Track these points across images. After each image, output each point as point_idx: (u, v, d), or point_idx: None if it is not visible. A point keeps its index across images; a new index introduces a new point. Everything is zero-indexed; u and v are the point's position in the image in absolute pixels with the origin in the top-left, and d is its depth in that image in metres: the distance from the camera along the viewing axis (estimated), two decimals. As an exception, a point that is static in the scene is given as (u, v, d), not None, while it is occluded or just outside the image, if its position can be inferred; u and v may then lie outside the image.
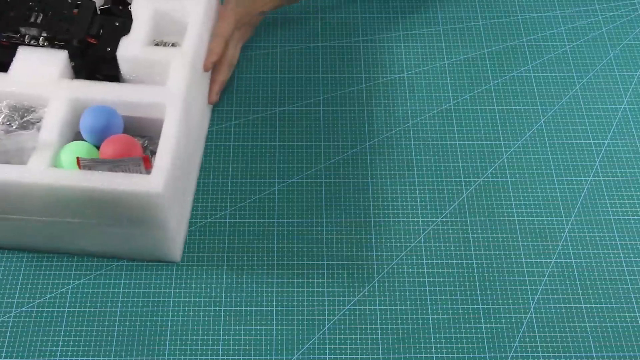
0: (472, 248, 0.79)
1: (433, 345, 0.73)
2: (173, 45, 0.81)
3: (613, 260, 0.79)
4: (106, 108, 0.72)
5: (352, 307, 0.75)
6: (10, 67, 0.75)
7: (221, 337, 0.73)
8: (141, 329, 0.73)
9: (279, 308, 0.75)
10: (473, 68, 0.94)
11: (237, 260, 0.78)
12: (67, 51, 0.76)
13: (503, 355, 0.73)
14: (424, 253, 0.79)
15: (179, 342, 0.73)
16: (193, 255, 0.78)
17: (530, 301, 0.76)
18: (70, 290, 0.75)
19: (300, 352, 0.72)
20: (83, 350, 0.72)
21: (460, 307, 0.75)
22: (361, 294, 0.76)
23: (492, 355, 0.72)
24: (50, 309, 0.74)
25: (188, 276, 0.77)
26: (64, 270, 0.77)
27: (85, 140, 0.73)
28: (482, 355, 0.72)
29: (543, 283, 0.77)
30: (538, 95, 0.91)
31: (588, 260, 0.79)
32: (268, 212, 0.81)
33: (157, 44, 0.81)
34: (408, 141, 0.87)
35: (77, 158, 0.68)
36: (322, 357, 0.72)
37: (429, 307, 0.75)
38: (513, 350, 0.73)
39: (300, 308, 0.75)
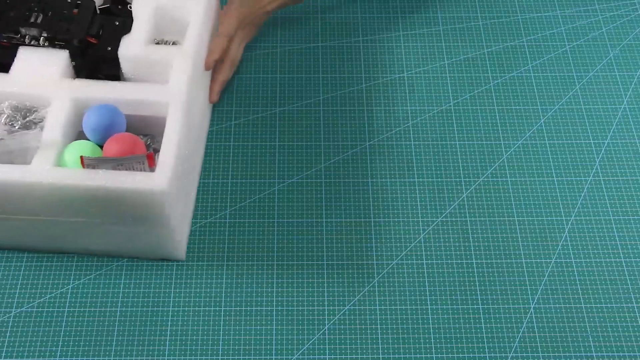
0: (472, 248, 0.79)
1: (433, 345, 0.73)
2: (174, 43, 0.81)
3: (613, 260, 0.79)
4: (109, 107, 0.72)
5: (352, 307, 0.75)
6: (11, 68, 0.75)
7: (221, 337, 0.73)
8: (141, 329, 0.73)
9: (279, 308, 0.75)
10: (473, 68, 0.94)
11: (237, 260, 0.78)
12: (67, 51, 0.76)
13: (503, 355, 0.73)
14: (424, 253, 0.79)
15: (179, 342, 0.73)
16: (193, 255, 0.78)
17: (530, 301, 0.76)
18: (70, 290, 0.76)
19: (300, 352, 0.72)
20: (83, 350, 0.72)
21: (460, 307, 0.75)
22: (361, 294, 0.76)
23: (492, 355, 0.72)
24: (50, 309, 0.74)
25: (188, 276, 0.77)
26: (64, 270, 0.77)
27: (88, 139, 0.73)
28: (482, 355, 0.72)
29: (543, 283, 0.77)
30: (538, 95, 0.91)
31: (588, 260, 0.79)
32: (268, 212, 0.81)
33: (157, 43, 0.81)
34: (408, 141, 0.87)
35: (81, 157, 0.68)
36: (322, 357, 0.72)
37: (429, 307, 0.75)
38: (513, 350, 0.73)
39: (300, 308, 0.75)
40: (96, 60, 0.78)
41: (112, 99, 0.73)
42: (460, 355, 0.72)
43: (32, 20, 0.77)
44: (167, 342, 0.73)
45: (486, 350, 0.73)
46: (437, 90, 0.91)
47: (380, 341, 0.73)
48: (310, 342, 0.73)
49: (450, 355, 0.72)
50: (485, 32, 0.97)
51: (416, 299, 0.76)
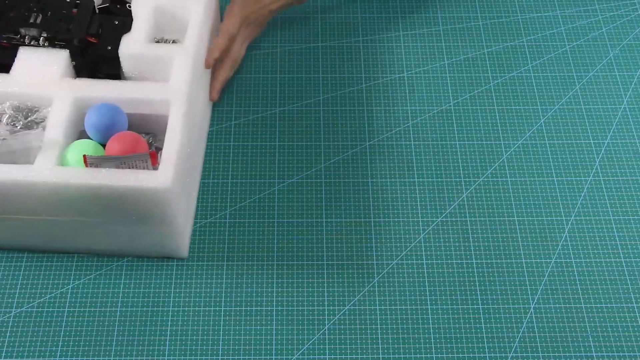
0: (472, 248, 0.79)
1: (433, 345, 0.73)
2: (174, 42, 0.81)
3: (613, 260, 0.79)
4: (111, 105, 0.72)
5: (352, 307, 0.75)
6: (12, 68, 0.75)
7: (221, 337, 0.73)
8: (141, 329, 0.73)
9: (279, 308, 0.75)
10: (473, 68, 0.94)
11: (237, 260, 0.78)
12: (68, 51, 0.76)
13: (503, 355, 0.73)
14: (424, 253, 0.79)
15: (179, 342, 0.73)
16: (193, 255, 0.78)
17: (530, 301, 0.76)
18: (70, 290, 0.76)
19: (300, 352, 0.72)
20: (83, 350, 0.72)
21: (460, 307, 0.75)
22: (361, 294, 0.76)
23: (492, 355, 0.72)
24: (50, 309, 0.74)
25: (188, 276, 0.77)
26: (64, 270, 0.77)
27: (90, 139, 0.73)
28: (482, 355, 0.72)
29: (543, 283, 0.77)
30: (538, 95, 0.91)
31: (588, 260, 0.79)
32: (268, 212, 0.81)
33: (157, 41, 0.81)
34: (408, 141, 0.87)
35: (84, 156, 0.68)
36: (322, 357, 0.72)
37: (429, 307, 0.75)
38: (513, 350, 0.73)
39: (300, 308, 0.75)
40: (96, 59, 0.78)
41: (113, 97, 0.73)
42: (460, 355, 0.72)
43: (31, 20, 0.77)
44: (167, 342, 0.73)
45: (486, 350, 0.73)
46: (437, 90, 0.91)
47: (380, 341, 0.73)
48: (310, 342, 0.73)
49: (450, 355, 0.72)
50: (485, 32, 0.97)
51: (416, 299, 0.76)
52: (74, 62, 0.77)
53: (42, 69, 0.75)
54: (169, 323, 0.74)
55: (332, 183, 0.83)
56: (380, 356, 0.72)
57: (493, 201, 0.82)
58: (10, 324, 0.73)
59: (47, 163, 0.69)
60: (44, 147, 0.70)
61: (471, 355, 0.72)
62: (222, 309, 0.75)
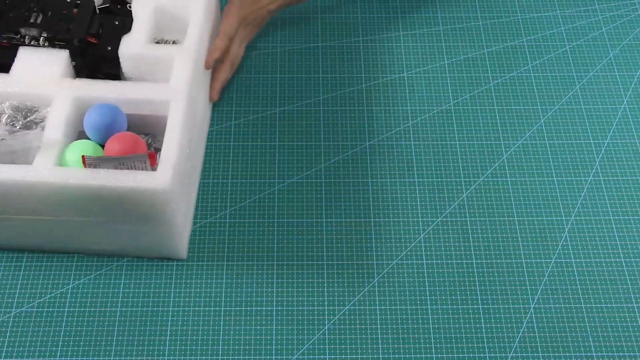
0: (472, 248, 0.79)
1: (433, 345, 0.73)
2: (174, 42, 0.81)
3: (613, 260, 0.79)
4: (110, 106, 0.72)
5: (352, 307, 0.75)
6: (12, 68, 0.75)
7: (221, 337, 0.73)
8: (141, 329, 0.73)
9: (279, 308, 0.75)
10: (473, 68, 0.94)
11: (237, 260, 0.78)
12: (68, 51, 0.76)
13: (503, 355, 0.73)
14: (424, 253, 0.79)
15: (179, 342, 0.73)
16: (193, 255, 0.78)
17: (530, 301, 0.76)
18: (70, 290, 0.76)
19: (300, 352, 0.72)
20: (83, 350, 0.72)
21: (460, 307, 0.75)
22: (361, 294, 0.76)
23: (492, 355, 0.72)
24: (50, 309, 0.74)
25: (188, 276, 0.77)
26: (64, 270, 0.77)
27: (89, 139, 0.73)
28: (482, 355, 0.72)
29: (543, 283, 0.77)
30: (538, 95, 0.91)
31: (588, 260, 0.79)
32: (268, 212, 0.81)
33: (157, 42, 0.81)
34: (408, 141, 0.87)
35: (83, 156, 0.68)
36: (322, 357, 0.72)
37: (429, 307, 0.75)
38: (513, 350, 0.73)
39: (300, 308, 0.75)
40: (96, 59, 0.78)
41: (113, 98, 0.73)
42: (460, 355, 0.72)
43: (31, 20, 0.77)
44: (167, 342, 0.73)
45: (486, 350, 0.73)
46: (437, 90, 0.91)
47: (380, 341, 0.73)
48: (310, 342, 0.73)
49: (450, 355, 0.72)
50: (485, 32, 0.97)
51: (416, 299, 0.76)
52: (74, 62, 0.77)
53: (42, 69, 0.75)
54: (169, 323, 0.74)
55: (332, 183, 0.83)
56: (380, 356, 0.72)
57: (493, 201, 0.82)
58: (10, 324, 0.73)
59: (46, 163, 0.69)
60: (43, 147, 0.70)
61: (471, 355, 0.72)
62: (222, 309, 0.75)
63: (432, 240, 0.80)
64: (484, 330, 0.74)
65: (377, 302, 0.75)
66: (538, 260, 0.78)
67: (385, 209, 0.82)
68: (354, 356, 0.72)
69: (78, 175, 0.68)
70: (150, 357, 0.72)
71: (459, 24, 0.98)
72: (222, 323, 0.74)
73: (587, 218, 0.81)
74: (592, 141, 0.87)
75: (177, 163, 0.70)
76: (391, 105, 0.90)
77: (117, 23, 0.79)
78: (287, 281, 0.77)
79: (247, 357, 0.72)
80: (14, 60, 0.75)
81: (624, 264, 0.78)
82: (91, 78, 0.76)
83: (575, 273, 0.78)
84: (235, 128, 0.88)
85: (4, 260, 0.77)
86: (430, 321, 0.74)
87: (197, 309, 0.75)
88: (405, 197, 0.83)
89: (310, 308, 0.75)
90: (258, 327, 0.74)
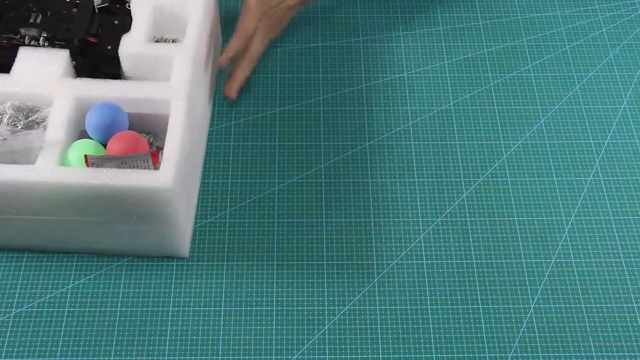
0: (472, 248, 0.79)
1: (433, 345, 0.73)
2: (173, 41, 0.81)
3: (613, 260, 0.79)
4: (112, 105, 0.72)
5: (352, 307, 0.75)
6: (12, 68, 0.75)
7: (221, 337, 0.73)
8: (141, 329, 0.73)
9: (279, 308, 0.75)
10: (473, 68, 0.94)
11: (237, 260, 0.78)
12: (68, 50, 0.76)
13: (503, 355, 0.73)
14: (424, 253, 0.79)
15: (179, 342, 0.73)
16: (193, 255, 0.78)
17: (530, 301, 0.76)
18: (70, 290, 0.76)
19: (300, 352, 0.72)
20: (83, 350, 0.72)
21: (460, 307, 0.75)
22: (361, 294, 0.76)
23: (492, 355, 0.72)
24: (50, 309, 0.74)
25: (188, 276, 0.77)
26: (64, 270, 0.77)
27: (90, 138, 0.73)
28: (482, 355, 0.72)
29: (543, 283, 0.77)
30: (538, 95, 0.91)
31: (588, 260, 0.79)
32: (268, 212, 0.81)
33: (157, 41, 0.81)
34: (408, 141, 0.87)
35: (85, 156, 0.68)
36: (322, 357, 0.72)
37: (429, 307, 0.75)
38: (513, 350, 0.73)
39: (300, 308, 0.75)
40: (96, 59, 0.78)
41: (114, 97, 0.73)
42: (460, 355, 0.72)
43: (31, 20, 0.77)
44: (167, 342, 0.73)
45: (486, 350, 0.73)
46: (437, 90, 0.91)
47: (380, 341, 0.73)
48: (310, 342, 0.73)
49: (450, 355, 0.72)
50: (485, 32, 0.97)
51: (416, 299, 0.76)
52: (74, 62, 0.77)
53: (42, 69, 0.75)
54: (169, 323, 0.74)
55: (332, 183, 0.83)
56: (380, 356, 0.72)
57: (493, 201, 0.82)
58: (10, 324, 0.73)
59: (48, 163, 0.69)
60: (44, 147, 0.70)
61: (471, 355, 0.72)
62: (222, 309, 0.75)
63: (432, 240, 0.80)
64: (484, 330, 0.74)
65: (377, 302, 0.75)
66: (538, 260, 0.78)
67: (385, 209, 0.82)
68: (354, 356, 0.72)
69: (80, 175, 0.68)
70: (150, 357, 0.72)
71: (459, 24, 0.98)
72: (222, 323, 0.74)
73: (587, 218, 0.81)
74: (592, 141, 0.87)
75: (179, 162, 0.70)
76: (391, 105, 0.90)
77: (116, 22, 0.79)
78: (287, 281, 0.77)
79: (247, 357, 0.72)
80: (14, 61, 0.75)
81: (624, 264, 0.78)
82: (91, 77, 0.76)
83: (575, 273, 0.78)
84: (235, 128, 0.88)
85: (4, 260, 0.77)
86: (430, 321, 0.74)
87: (197, 308, 0.75)
88: (405, 197, 0.83)
89: (310, 308, 0.75)
90: (258, 327, 0.74)
